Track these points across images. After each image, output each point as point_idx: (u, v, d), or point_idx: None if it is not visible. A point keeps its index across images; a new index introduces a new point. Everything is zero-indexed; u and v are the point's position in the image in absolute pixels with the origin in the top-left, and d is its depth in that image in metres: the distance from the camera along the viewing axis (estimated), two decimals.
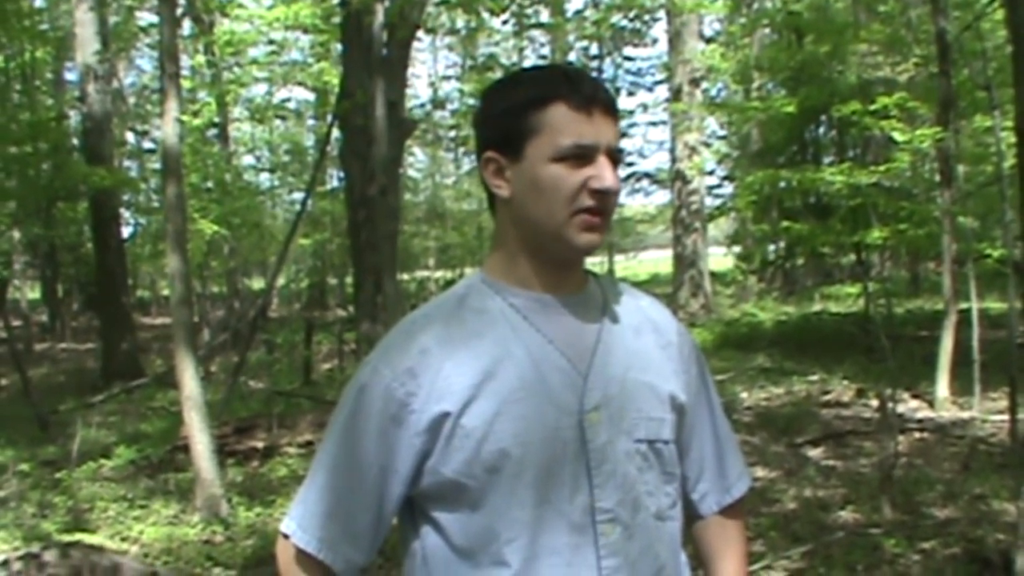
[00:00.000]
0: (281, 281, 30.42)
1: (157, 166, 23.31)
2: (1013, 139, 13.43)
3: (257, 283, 32.42)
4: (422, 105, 33.38)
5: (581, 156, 1.88)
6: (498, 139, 1.95)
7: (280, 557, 2.05)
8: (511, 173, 1.94)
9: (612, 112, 1.94)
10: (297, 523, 2.00)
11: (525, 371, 1.91)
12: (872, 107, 12.81)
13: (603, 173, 1.89)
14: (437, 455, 1.90)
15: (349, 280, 25.21)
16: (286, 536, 2.02)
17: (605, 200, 1.91)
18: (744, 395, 13.39)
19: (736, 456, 2.30)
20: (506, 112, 1.94)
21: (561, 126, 1.88)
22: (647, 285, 29.84)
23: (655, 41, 60.04)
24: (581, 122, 1.89)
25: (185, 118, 16.18)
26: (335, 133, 16.23)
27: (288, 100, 31.48)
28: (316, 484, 2.00)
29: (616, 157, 1.93)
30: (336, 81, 19.29)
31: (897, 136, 12.92)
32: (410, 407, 1.89)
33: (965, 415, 11.10)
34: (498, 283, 2.00)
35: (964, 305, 12.21)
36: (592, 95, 1.90)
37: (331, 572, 1.99)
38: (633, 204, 40.32)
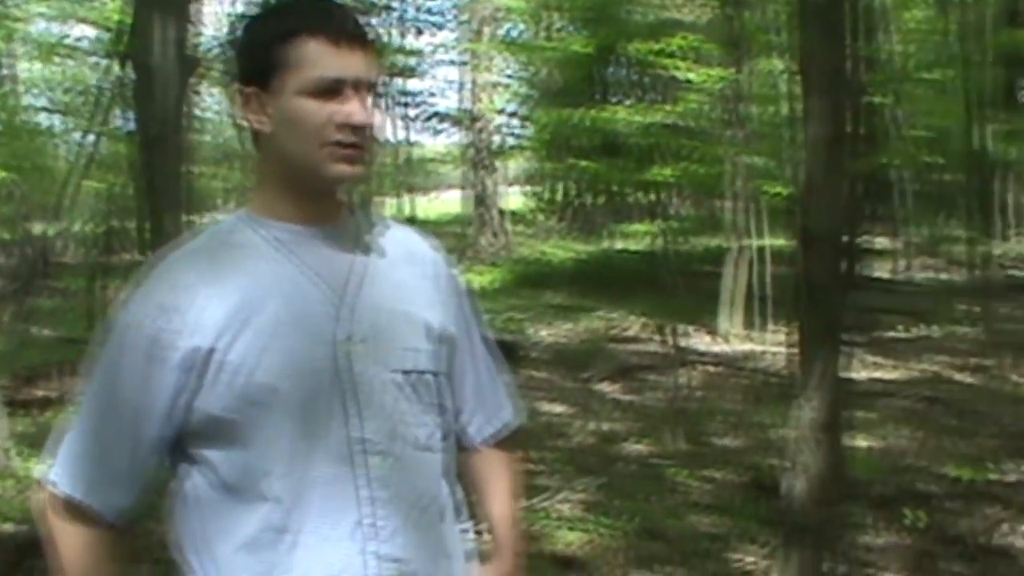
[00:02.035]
0: (75, 226, 29.49)
1: None
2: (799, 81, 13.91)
3: (49, 229, 31.31)
4: (216, 42, 32.45)
5: (331, 90, 1.87)
6: (254, 73, 1.93)
7: (41, 505, 1.98)
8: (270, 108, 1.91)
9: (363, 45, 1.92)
10: (57, 468, 1.95)
11: (286, 303, 1.89)
12: (664, 47, 12.96)
13: (351, 107, 1.88)
14: (203, 392, 1.86)
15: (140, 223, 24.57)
16: (46, 482, 1.95)
17: (357, 133, 1.89)
18: (539, 332, 13.53)
19: (505, 388, 2.31)
20: (259, 46, 1.92)
21: (309, 60, 1.87)
22: (445, 225, 29.75)
23: None
24: (330, 55, 1.87)
25: None
26: (121, 71, 15.68)
27: (81, 39, 30.26)
28: (76, 428, 1.95)
29: (370, 90, 1.92)
30: (124, 18, 18.65)
31: (688, 76, 13.14)
32: (165, 343, 1.85)
33: (753, 348, 11.45)
34: (260, 217, 1.97)
35: (758, 242, 12.54)
36: (340, 27, 1.89)
37: (94, 517, 1.92)
38: (429, 144, 40.14)
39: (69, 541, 1.93)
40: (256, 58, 1.92)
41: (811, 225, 4.31)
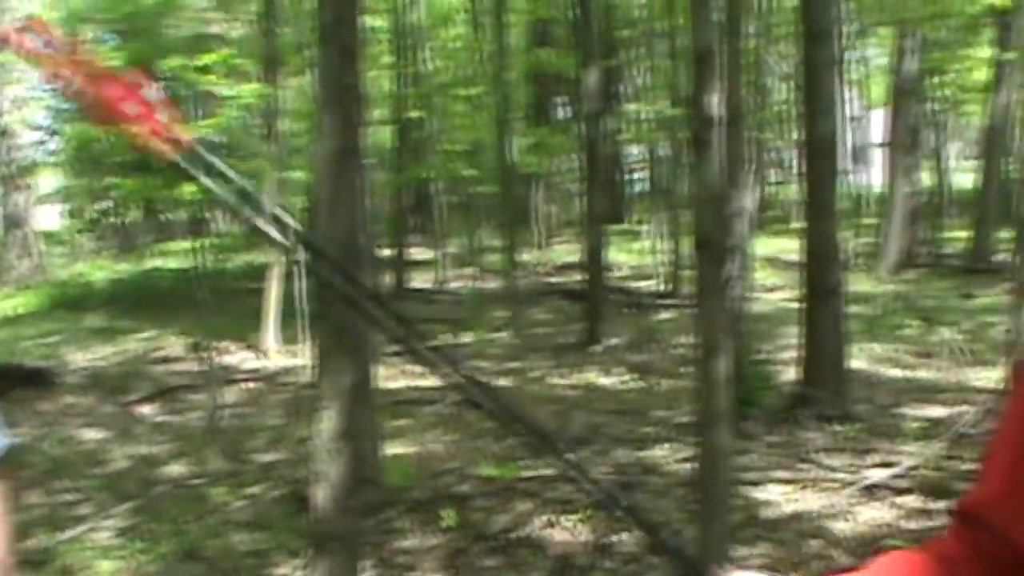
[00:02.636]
0: None
1: None
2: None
3: None
4: None
5: None
6: None
7: None
8: None
9: None
10: None
11: None
12: (200, 62, 12.81)
13: None
14: None
15: None
16: None
17: None
18: (76, 356, 13.02)
19: None
20: None
21: None
22: None
23: None
24: None
25: None
26: None
27: None
28: None
29: None
30: None
31: (225, 91, 13.05)
32: None
33: (294, 362, 11.49)
34: None
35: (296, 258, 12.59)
36: None
37: None
38: None
39: None
40: None
41: (319, 237, 4.35)
